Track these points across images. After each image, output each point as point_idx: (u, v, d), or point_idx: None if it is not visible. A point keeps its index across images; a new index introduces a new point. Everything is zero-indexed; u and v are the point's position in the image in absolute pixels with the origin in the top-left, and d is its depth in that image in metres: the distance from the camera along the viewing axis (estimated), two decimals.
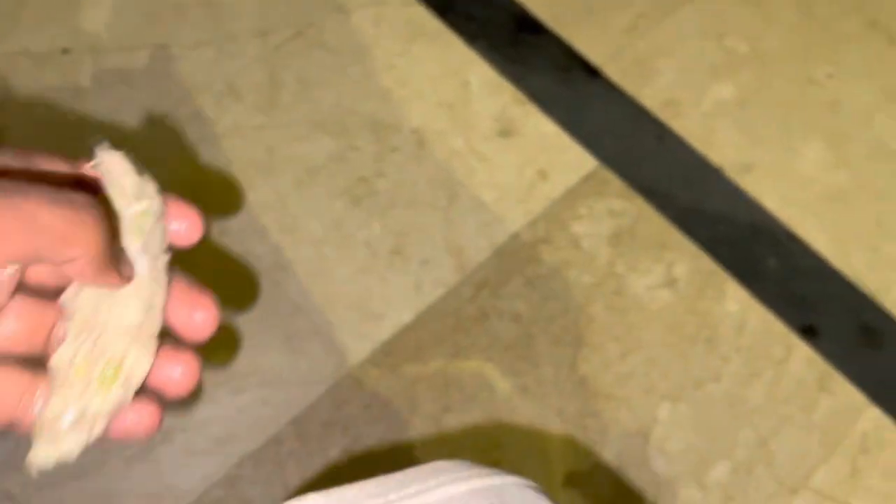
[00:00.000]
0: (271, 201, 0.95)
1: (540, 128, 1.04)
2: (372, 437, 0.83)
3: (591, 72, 1.10)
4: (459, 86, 1.06)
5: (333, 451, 0.82)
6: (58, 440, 0.27)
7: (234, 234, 0.93)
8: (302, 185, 0.97)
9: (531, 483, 0.37)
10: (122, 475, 0.80)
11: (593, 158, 1.03)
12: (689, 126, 1.07)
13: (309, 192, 0.96)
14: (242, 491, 0.80)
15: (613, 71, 1.10)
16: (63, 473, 0.79)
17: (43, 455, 0.27)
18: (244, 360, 0.86)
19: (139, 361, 0.29)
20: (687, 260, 0.97)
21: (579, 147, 1.03)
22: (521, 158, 1.02)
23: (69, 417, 0.27)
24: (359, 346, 0.88)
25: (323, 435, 0.83)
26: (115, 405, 0.28)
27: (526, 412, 0.86)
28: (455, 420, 0.85)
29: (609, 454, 0.85)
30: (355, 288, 0.91)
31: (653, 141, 1.05)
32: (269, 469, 0.81)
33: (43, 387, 0.27)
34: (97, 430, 0.28)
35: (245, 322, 0.88)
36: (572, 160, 1.02)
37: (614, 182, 1.01)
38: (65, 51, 1.02)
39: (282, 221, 0.94)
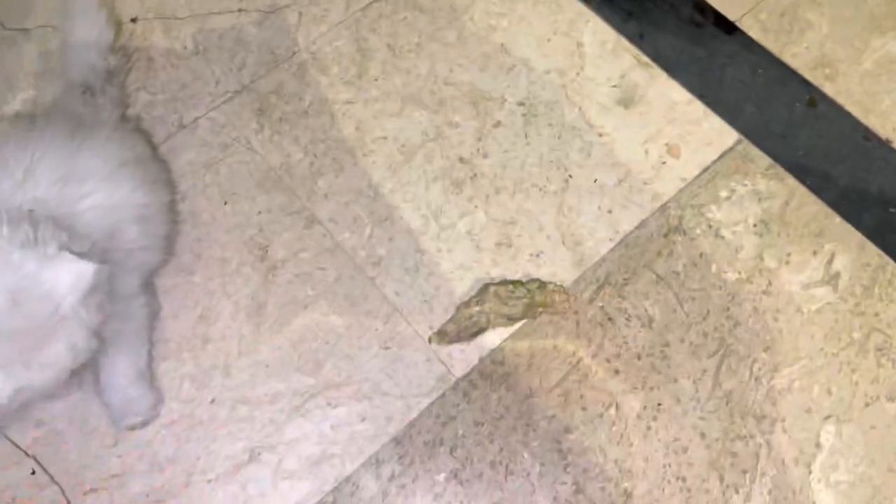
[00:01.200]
0: (362, 187, 0.84)
1: (668, 94, 0.89)
2: (484, 460, 0.73)
3: (728, 27, 0.93)
4: (571, 48, 0.92)
5: (440, 476, 0.72)
6: None
7: (323, 226, 0.82)
8: (396, 168, 0.85)
9: None
10: (206, 498, 0.72)
11: (733, 130, 0.87)
12: (846, 89, 0.90)
13: (404, 175, 0.85)
14: None
15: (753, 25, 0.93)
16: (144, 498, 0.72)
17: None
18: (338, 368, 0.76)
19: None
20: (850, 251, 0.81)
21: (716, 117, 0.88)
22: (647, 131, 0.87)
23: None
24: (466, 353, 0.77)
25: (428, 456, 0.73)
26: None
27: (661, 434, 0.74)
28: (577, 442, 0.73)
29: (762, 489, 0.72)
30: (460, 286, 0.80)
31: (803, 108, 0.89)
32: (368, 496, 0.71)
33: None
34: None
35: (338, 324, 0.78)
36: (708, 133, 0.87)
37: (759, 158, 0.86)
38: (133, 19, 0.92)
39: (375, 210, 0.83)
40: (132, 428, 0.74)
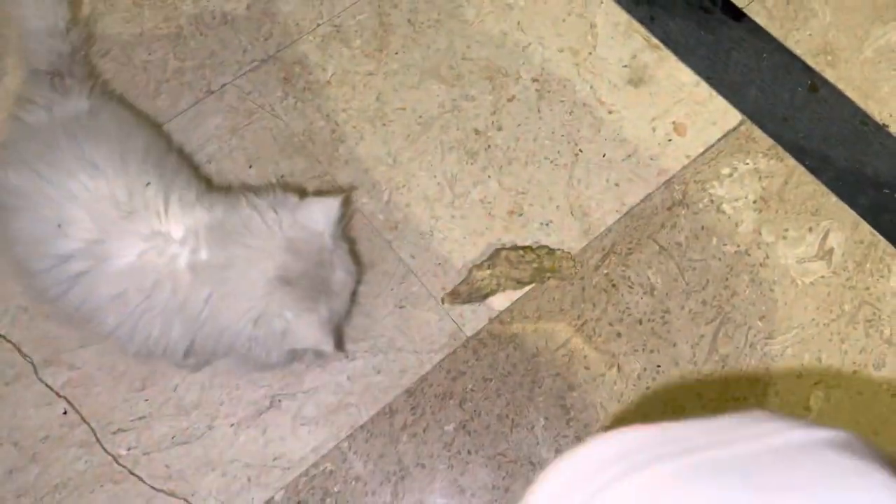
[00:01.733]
0: (382, 154, 0.88)
1: (676, 76, 0.93)
2: (491, 413, 0.77)
3: (736, 13, 0.97)
4: (585, 28, 0.95)
5: (449, 427, 0.76)
6: None
7: (344, 189, 0.86)
8: (414, 137, 0.89)
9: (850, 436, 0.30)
10: (228, 441, 0.76)
11: (737, 112, 0.91)
12: (847, 76, 0.93)
13: (421, 144, 0.89)
14: (353, 465, 0.75)
15: (760, 12, 0.97)
16: (169, 439, 0.76)
17: None
18: (356, 323, 0.80)
19: None
20: (844, 228, 0.86)
21: (721, 99, 0.92)
22: (655, 110, 0.91)
23: None
24: (476, 314, 0.81)
25: (438, 408, 0.77)
26: None
27: (659, 394, 0.78)
28: (580, 399, 0.78)
29: None
30: (472, 251, 0.84)
31: (805, 93, 0.93)
32: (381, 443, 0.76)
33: None
34: None
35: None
36: (713, 113, 0.91)
37: (761, 139, 0.90)
38: None
39: (393, 177, 0.87)
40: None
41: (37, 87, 0.74)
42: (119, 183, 0.64)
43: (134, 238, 0.63)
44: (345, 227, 0.74)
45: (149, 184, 0.65)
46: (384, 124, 0.90)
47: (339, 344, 0.76)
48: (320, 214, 0.67)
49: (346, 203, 0.83)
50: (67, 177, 0.65)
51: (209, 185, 0.76)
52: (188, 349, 0.69)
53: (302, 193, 0.85)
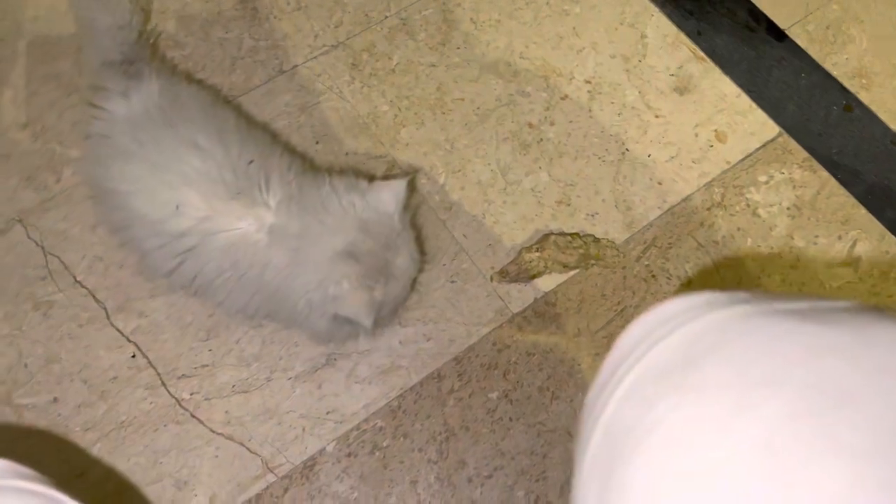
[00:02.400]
0: (440, 140, 0.94)
1: (719, 87, 0.99)
2: (533, 385, 0.82)
3: (778, 34, 1.03)
4: (636, 38, 1.02)
5: (493, 395, 0.81)
6: None
7: (404, 170, 0.92)
8: (471, 126, 0.95)
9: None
10: (286, 394, 0.81)
11: (775, 125, 0.97)
12: (880, 98, 0.99)
13: (477, 134, 0.94)
14: (402, 423, 0.79)
15: (801, 35, 1.03)
16: (230, 388, 0.81)
17: None
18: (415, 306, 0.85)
19: None
20: (871, 239, 0.91)
21: (761, 111, 0.97)
22: (699, 117, 0.97)
23: None
24: (522, 293, 0.86)
25: (483, 377, 0.82)
26: None
27: None
28: None
29: None
30: (521, 235, 0.89)
31: (840, 112, 0.98)
32: (429, 404, 0.80)
33: None
34: None
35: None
36: (753, 124, 0.97)
37: (797, 151, 0.95)
38: None
39: (450, 161, 0.93)
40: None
41: (110, 77, 0.78)
42: (226, 162, 0.70)
43: (238, 213, 0.69)
44: (413, 215, 0.80)
45: (251, 161, 0.71)
46: (444, 113, 0.96)
47: (383, 323, 0.80)
48: (389, 196, 0.72)
49: (412, 186, 0.88)
50: (179, 161, 0.70)
51: (302, 161, 0.80)
52: (257, 311, 0.75)
53: (368, 173, 0.91)
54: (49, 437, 0.77)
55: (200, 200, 0.69)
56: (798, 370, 0.29)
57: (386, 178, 0.91)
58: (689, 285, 0.87)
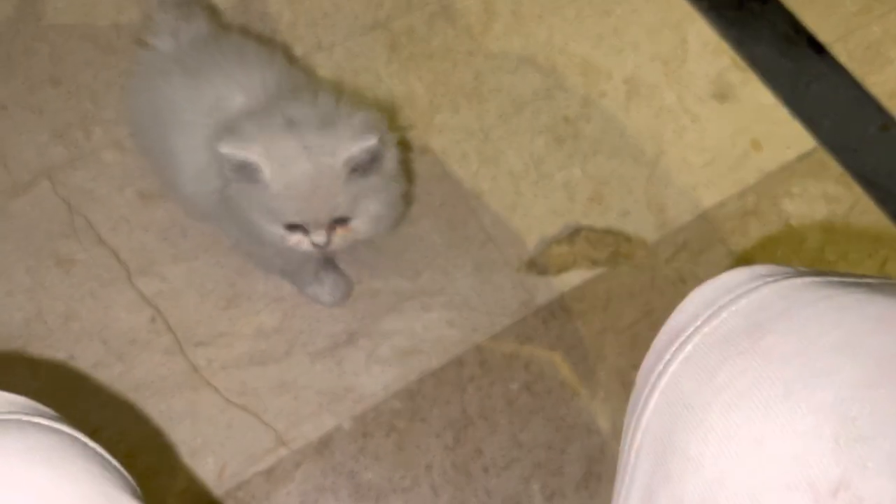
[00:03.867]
0: (475, 128, 0.93)
1: (758, 97, 0.98)
2: (555, 378, 0.81)
3: (818, 49, 1.03)
4: (677, 42, 1.01)
5: (514, 385, 0.80)
6: None
7: (436, 155, 0.91)
8: (506, 117, 0.94)
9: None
10: (304, 369, 0.80)
11: (812, 138, 0.96)
12: None
13: (512, 125, 0.94)
14: (420, 407, 0.78)
15: (841, 52, 1.03)
16: (248, 358, 0.80)
17: None
18: (434, 278, 0.85)
19: None
20: None
21: (798, 124, 0.97)
22: (736, 125, 0.96)
23: None
24: (549, 286, 0.85)
25: (505, 366, 0.81)
26: None
27: None
28: None
29: None
30: (550, 229, 0.88)
31: (876, 130, 0.98)
32: (448, 390, 0.79)
33: None
34: None
35: (438, 242, 0.86)
36: (790, 136, 0.96)
37: (832, 166, 0.94)
38: None
39: (483, 150, 0.92)
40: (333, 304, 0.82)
41: (164, 15, 0.78)
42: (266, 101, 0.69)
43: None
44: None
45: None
46: (479, 102, 0.95)
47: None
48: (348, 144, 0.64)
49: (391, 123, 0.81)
50: (219, 98, 0.69)
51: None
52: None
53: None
54: (63, 395, 0.76)
55: None
56: (871, 339, 0.28)
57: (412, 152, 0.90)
58: None
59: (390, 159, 0.69)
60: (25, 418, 0.34)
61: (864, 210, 0.92)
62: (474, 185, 0.90)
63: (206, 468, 0.74)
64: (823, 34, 1.04)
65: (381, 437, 0.77)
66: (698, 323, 0.33)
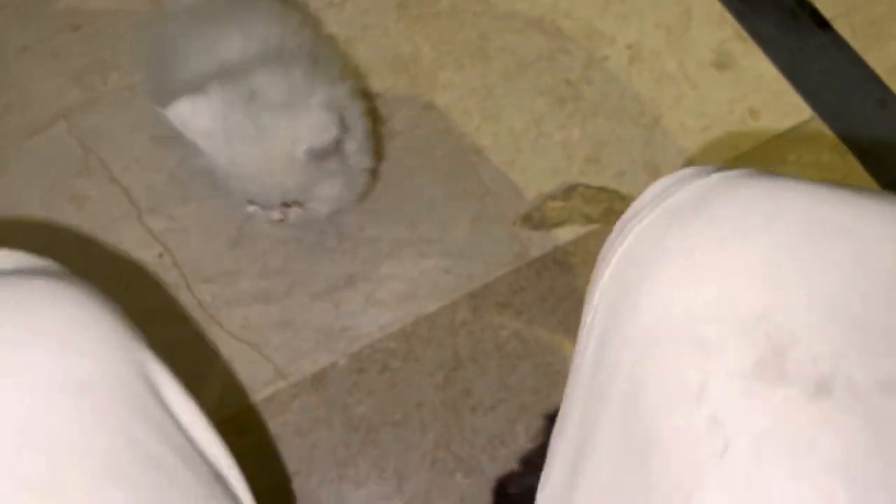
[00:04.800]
0: (478, 86, 0.96)
1: (758, 67, 1.00)
2: (545, 325, 0.83)
3: (821, 23, 1.04)
4: (681, 11, 1.03)
5: (504, 332, 0.83)
6: None
7: (439, 111, 0.94)
8: (509, 77, 0.96)
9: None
10: (304, 308, 0.83)
11: (809, 109, 0.98)
12: None
13: (515, 84, 0.96)
14: (414, 348, 0.81)
15: (844, 27, 1.04)
16: (250, 296, 0.83)
17: None
18: (432, 227, 0.87)
19: None
20: None
21: (796, 95, 0.98)
22: (734, 93, 0.98)
23: None
24: (543, 240, 0.88)
25: (497, 313, 0.84)
26: None
27: None
28: None
29: None
30: (548, 185, 0.91)
31: (874, 105, 0.99)
32: (441, 333, 0.82)
33: None
34: None
35: (438, 194, 0.89)
36: (787, 106, 0.98)
37: (827, 137, 0.96)
38: None
39: (485, 107, 0.94)
40: None
41: None
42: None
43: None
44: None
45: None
46: (484, 61, 0.97)
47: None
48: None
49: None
50: (230, 49, 0.72)
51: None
52: None
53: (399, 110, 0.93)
54: None
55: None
56: (802, 209, 0.32)
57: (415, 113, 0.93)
58: None
59: (354, 139, 0.68)
60: (37, 267, 0.37)
61: (857, 179, 0.94)
62: (475, 141, 0.92)
63: (207, 394, 0.78)
64: (827, 9, 1.05)
65: (375, 374, 0.80)
66: (649, 208, 0.37)
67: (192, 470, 0.34)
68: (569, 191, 0.88)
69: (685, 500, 0.28)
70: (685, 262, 0.31)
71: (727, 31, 1.02)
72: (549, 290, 0.85)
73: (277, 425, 0.77)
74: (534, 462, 0.77)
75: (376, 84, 0.94)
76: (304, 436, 0.77)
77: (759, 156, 0.94)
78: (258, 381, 0.79)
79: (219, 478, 0.36)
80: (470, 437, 0.78)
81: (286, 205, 0.68)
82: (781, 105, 0.98)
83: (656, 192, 0.36)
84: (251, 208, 0.70)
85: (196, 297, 0.82)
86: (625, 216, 0.37)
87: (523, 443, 0.78)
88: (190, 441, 0.35)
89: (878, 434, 0.26)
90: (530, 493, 0.39)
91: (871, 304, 0.28)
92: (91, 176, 0.87)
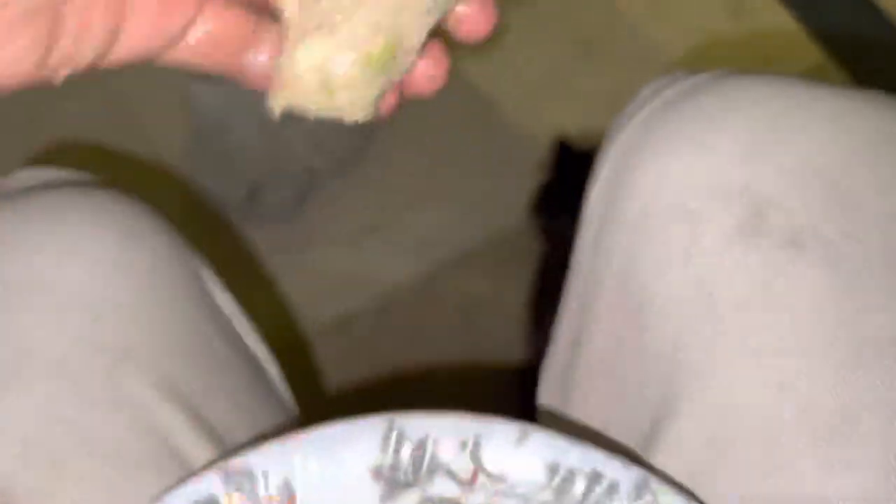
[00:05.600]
0: (497, 34, 0.96)
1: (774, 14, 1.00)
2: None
3: None
4: None
5: (522, 283, 0.84)
6: (295, 87, 0.25)
7: (453, 58, 0.94)
8: (530, 23, 0.97)
9: None
10: (325, 252, 0.85)
11: (822, 53, 0.98)
12: None
13: (536, 31, 0.96)
14: (435, 290, 0.83)
15: None
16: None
17: (279, 100, 0.25)
18: (451, 177, 0.89)
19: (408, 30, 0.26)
20: None
21: (809, 38, 0.99)
22: (749, 42, 0.98)
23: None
24: None
25: (516, 264, 0.85)
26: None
27: None
28: None
29: None
30: (566, 134, 0.92)
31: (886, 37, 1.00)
32: (461, 279, 0.84)
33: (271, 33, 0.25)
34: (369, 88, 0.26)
35: (455, 143, 0.90)
36: (799, 47, 0.98)
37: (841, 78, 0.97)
38: None
39: (503, 56, 0.95)
40: None
41: None
42: None
43: None
44: None
45: None
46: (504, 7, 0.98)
47: None
48: None
49: None
50: None
51: None
52: None
53: None
54: None
55: None
56: (781, 95, 0.33)
57: None
58: None
59: None
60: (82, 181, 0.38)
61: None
62: (493, 89, 0.93)
63: None
64: None
65: (400, 316, 0.82)
66: (647, 100, 0.37)
67: (239, 356, 0.37)
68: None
69: (671, 359, 0.30)
70: (674, 144, 0.33)
71: None
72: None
73: (299, 374, 0.80)
74: None
75: None
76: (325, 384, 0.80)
77: None
78: (278, 322, 0.81)
79: (259, 367, 0.39)
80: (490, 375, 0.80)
81: None
82: (794, 51, 0.98)
83: (652, 89, 0.38)
84: None
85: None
86: (623, 113, 0.39)
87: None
88: (237, 335, 0.38)
89: (844, 279, 0.29)
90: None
91: (846, 170, 0.31)
92: None
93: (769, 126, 0.32)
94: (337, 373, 0.79)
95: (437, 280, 0.84)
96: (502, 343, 0.81)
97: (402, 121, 0.91)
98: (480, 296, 0.83)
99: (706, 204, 0.31)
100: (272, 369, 0.41)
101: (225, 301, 0.39)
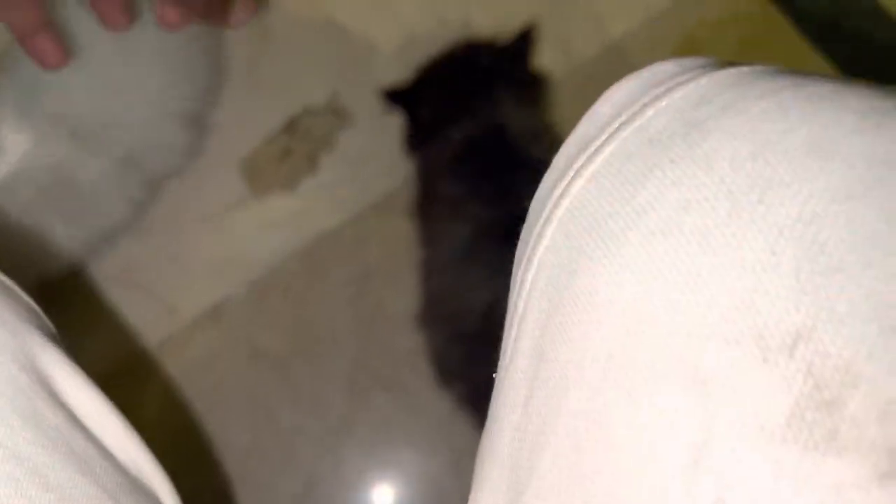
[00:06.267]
0: None
1: None
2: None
3: None
4: None
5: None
6: None
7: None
8: None
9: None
10: (193, 238, 0.75)
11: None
12: None
13: None
14: (318, 266, 0.75)
15: None
16: (130, 229, 0.75)
17: None
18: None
19: None
20: None
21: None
22: None
23: None
24: None
25: (406, 220, 0.77)
26: None
27: None
28: None
29: None
30: None
31: None
32: (347, 248, 0.76)
33: None
34: None
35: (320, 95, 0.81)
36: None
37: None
38: None
39: None
40: None
41: None
42: None
43: None
44: None
45: None
46: None
47: None
48: None
49: None
50: None
51: None
52: None
53: None
54: None
55: None
56: (855, 137, 0.20)
57: None
58: None
59: None
60: None
61: (780, 32, 0.88)
62: (365, 32, 0.84)
63: (93, 346, 0.71)
64: None
65: (279, 299, 0.74)
66: (614, 127, 0.24)
67: (88, 475, 0.28)
68: None
69: None
70: (673, 241, 0.20)
71: None
72: None
73: (177, 368, 0.71)
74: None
75: None
76: (208, 375, 0.71)
77: (676, 19, 0.87)
78: (151, 322, 0.72)
79: (125, 472, 0.30)
80: (389, 351, 0.73)
81: None
82: None
83: (617, 106, 0.25)
84: None
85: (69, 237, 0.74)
86: (572, 140, 0.26)
87: None
88: (90, 439, 0.29)
89: None
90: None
91: None
92: None
93: (842, 211, 0.19)
94: (212, 370, 0.71)
95: (316, 254, 0.75)
96: (402, 312, 0.74)
97: (256, 71, 0.81)
98: (370, 265, 0.75)
99: (731, 363, 0.20)
100: (147, 467, 0.32)
101: (75, 391, 0.30)
